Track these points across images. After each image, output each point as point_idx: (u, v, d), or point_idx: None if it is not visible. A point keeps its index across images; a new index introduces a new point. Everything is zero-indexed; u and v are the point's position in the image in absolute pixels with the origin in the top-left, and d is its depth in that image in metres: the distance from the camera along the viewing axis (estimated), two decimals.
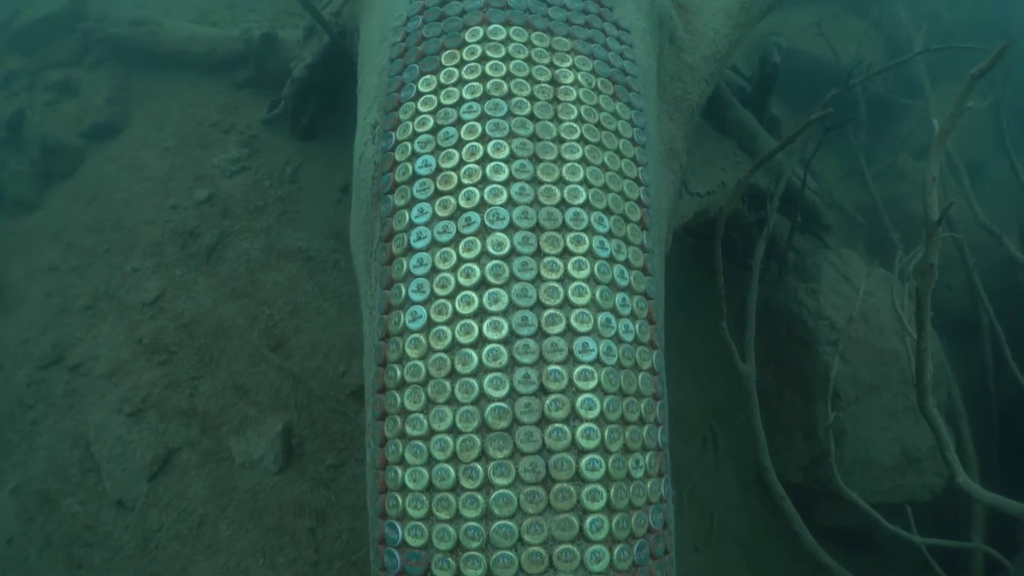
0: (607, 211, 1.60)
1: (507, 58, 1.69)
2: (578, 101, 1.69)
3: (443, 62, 1.72)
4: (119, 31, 4.75)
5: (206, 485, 3.14)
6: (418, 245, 1.55)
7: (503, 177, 1.54)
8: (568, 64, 1.74)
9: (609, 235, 1.58)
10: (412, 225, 1.57)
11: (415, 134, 1.65)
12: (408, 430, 1.49)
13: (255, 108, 4.13)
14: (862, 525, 3.35)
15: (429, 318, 1.50)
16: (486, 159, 1.57)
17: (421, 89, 1.70)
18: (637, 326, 1.58)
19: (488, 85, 1.65)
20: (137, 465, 3.17)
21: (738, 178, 2.97)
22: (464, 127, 1.61)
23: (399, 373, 1.51)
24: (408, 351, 1.50)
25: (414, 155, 1.63)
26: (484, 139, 1.59)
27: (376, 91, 1.87)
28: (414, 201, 1.58)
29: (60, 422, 3.35)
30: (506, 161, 1.56)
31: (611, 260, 1.56)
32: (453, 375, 1.45)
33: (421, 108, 1.67)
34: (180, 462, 3.20)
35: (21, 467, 3.26)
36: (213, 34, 4.45)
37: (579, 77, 1.73)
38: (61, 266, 3.90)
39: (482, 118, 1.61)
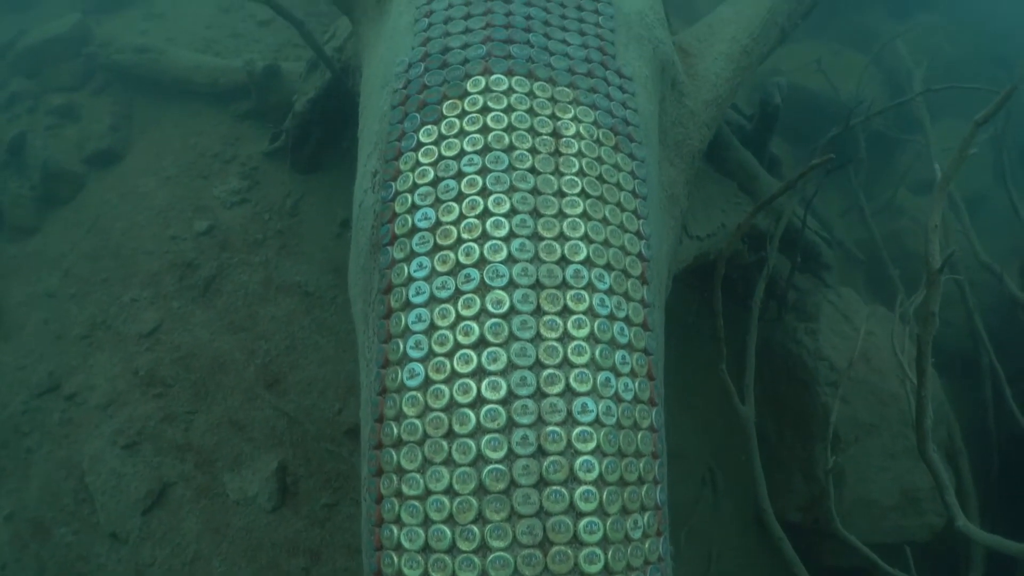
0: (608, 267, 1.59)
1: (509, 109, 1.69)
2: (580, 154, 1.68)
3: (444, 112, 1.71)
4: (123, 58, 4.77)
5: (200, 521, 3.11)
6: (416, 300, 1.53)
7: (503, 233, 1.53)
8: (570, 115, 1.74)
9: (609, 292, 1.56)
10: (411, 279, 1.55)
11: (415, 185, 1.64)
12: (404, 489, 1.46)
13: (257, 139, 4.13)
14: (862, 566, 3.31)
15: (427, 376, 1.48)
16: (486, 213, 1.55)
17: (422, 139, 1.69)
18: (637, 384, 1.56)
19: (489, 137, 1.64)
20: (131, 498, 3.14)
21: (738, 220, 2.97)
22: (465, 180, 1.60)
23: (395, 431, 1.49)
24: (405, 409, 1.48)
25: (414, 207, 1.62)
26: (485, 193, 1.58)
27: (377, 137, 1.86)
28: (413, 255, 1.57)
29: (55, 451, 3.33)
30: (506, 216, 1.55)
31: (611, 318, 1.55)
32: (450, 435, 1.43)
33: (422, 159, 1.66)
34: (174, 497, 3.17)
35: (16, 494, 3.24)
36: (216, 64, 4.46)
37: (581, 129, 1.72)
38: (59, 293, 3.89)
39: (483, 171, 1.60)
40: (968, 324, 4.42)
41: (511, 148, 1.63)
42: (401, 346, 1.52)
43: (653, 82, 2.09)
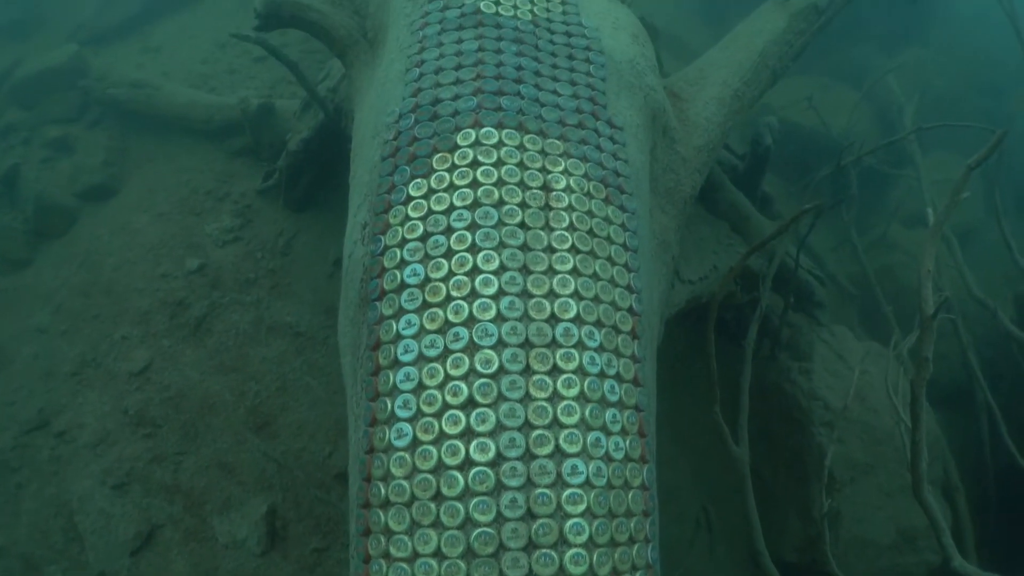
0: (598, 323, 1.57)
1: (499, 163, 1.68)
2: (570, 208, 1.68)
3: (434, 165, 1.71)
4: (118, 92, 4.78)
5: (188, 564, 3.06)
6: (405, 359, 1.51)
7: (492, 291, 1.52)
8: (560, 168, 1.74)
9: (600, 349, 1.55)
10: (399, 337, 1.54)
11: (404, 240, 1.63)
12: (392, 551, 1.44)
13: (250, 177, 4.13)
14: None
15: (415, 436, 1.46)
16: (475, 271, 1.54)
17: (412, 193, 1.68)
18: (628, 442, 1.54)
19: (479, 192, 1.63)
20: (120, 539, 3.11)
21: (731, 262, 2.97)
22: (454, 236, 1.59)
23: (383, 491, 1.47)
24: (393, 469, 1.46)
25: (403, 263, 1.61)
26: (474, 249, 1.57)
27: (367, 188, 1.85)
28: (402, 311, 1.56)
29: (44, 488, 3.29)
30: (495, 273, 1.54)
31: (601, 375, 1.53)
32: (439, 497, 1.41)
33: (411, 213, 1.66)
34: (163, 539, 3.13)
35: (5, 529, 3.20)
36: (211, 101, 4.47)
37: (571, 182, 1.72)
38: (50, 328, 3.87)
39: (472, 227, 1.59)
40: (963, 360, 4.41)
41: (501, 203, 1.63)
42: (389, 405, 1.51)
43: (644, 130, 2.09)
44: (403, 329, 1.54)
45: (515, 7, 2.11)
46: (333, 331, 3.50)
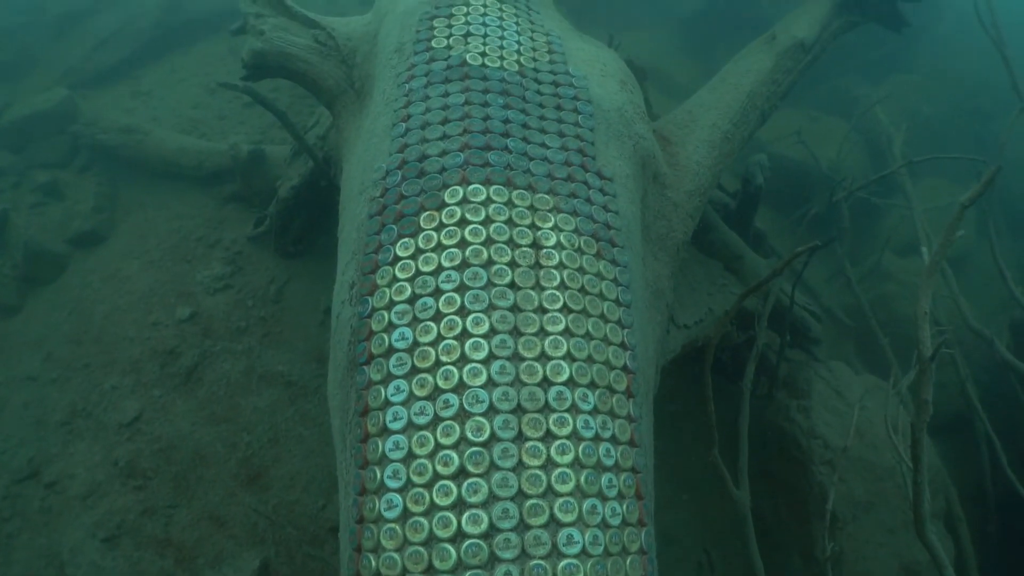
0: (592, 385, 1.54)
1: (487, 221, 1.66)
2: (560, 265, 1.65)
3: (422, 224, 1.68)
4: (108, 138, 4.77)
5: None
6: (394, 426, 1.47)
7: (482, 355, 1.48)
8: (550, 224, 1.71)
9: (594, 412, 1.51)
10: (388, 403, 1.50)
11: (392, 302, 1.60)
12: None
13: (241, 223, 4.11)
14: None
15: (405, 507, 1.41)
16: (465, 334, 1.51)
17: (399, 253, 1.66)
18: (625, 506, 1.50)
19: (467, 252, 1.61)
20: None
21: (725, 303, 2.94)
22: (442, 298, 1.56)
23: (373, 563, 1.42)
24: (383, 541, 1.41)
25: (391, 326, 1.57)
26: (463, 312, 1.54)
27: (354, 246, 1.83)
28: (390, 377, 1.52)
29: (35, 538, 3.24)
30: (485, 336, 1.51)
31: (596, 439, 1.49)
32: (430, 571, 1.36)
33: (399, 274, 1.63)
34: None
35: None
36: (201, 147, 4.47)
37: (561, 238, 1.69)
38: (40, 377, 3.83)
39: (461, 288, 1.56)
40: (962, 390, 4.38)
41: (490, 263, 1.60)
42: (378, 474, 1.46)
43: (634, 180, 2.07)
44: (392, 395, 1.50)
45: (501, 58, 2.10)
46: (325, 380, 3.45)
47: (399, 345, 1.54)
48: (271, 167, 3.95)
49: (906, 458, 2.92)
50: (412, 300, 1.58)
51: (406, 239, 1.67)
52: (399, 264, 1.64)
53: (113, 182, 4.75)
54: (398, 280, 1.62)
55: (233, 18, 2.88)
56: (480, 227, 1.64)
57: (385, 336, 1.57)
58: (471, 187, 1.71)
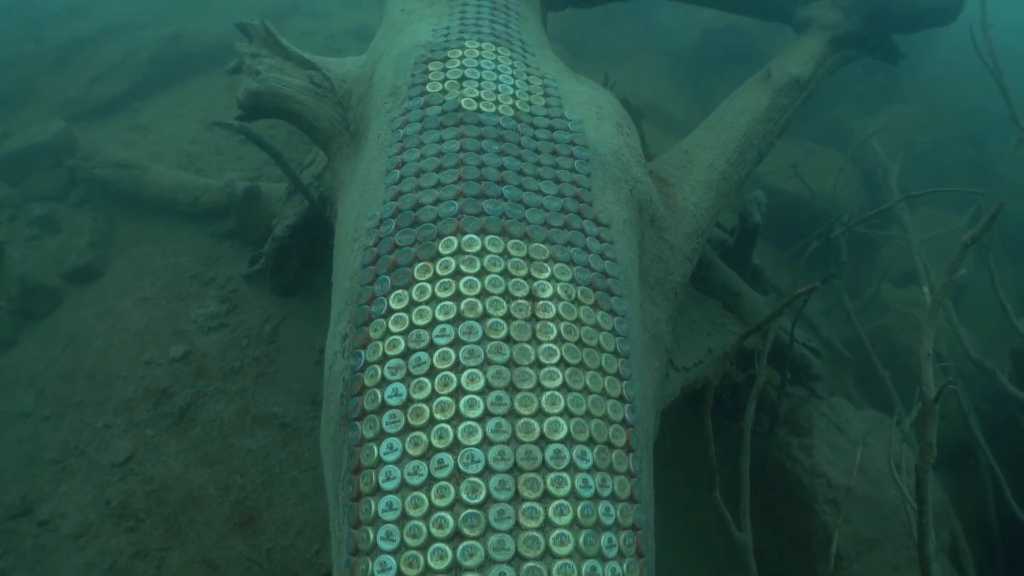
0: (590, 442, 1.50)
1: (482, 272, 1.63)
2: (557, 318, 1.62)
3: (416, 276, 1.65)
4: (105, 172, 4.76)
5: None
6: (387, 486, 1.43)
7: (478, 413, 1.45)
8: (546, 274, 1.68)
9: (593, 470, 1.48)
10: (381, 462, 1.46)
11: (385, 357, 1.56)
12: None
13: (236, 260, 4.08)
14: None
15: (399, 570, 1.37)
16: (460, 391, 1.48)
17: (392, 305, 1.63)
18: (625, 566, 1.46)
19: (462, 305, 1.58)
20: None
21: (724, 343, 2.91)
22: (437, 352, 1.53)
23: None
24: None
25: (384, 381, 1.54)
26: (458, 368, 1.50)
27: (347, 296, 1.80)
28: (383, 435, 1.48)
29: None
30: (481, 393, 1.47)
31: (595, 498, 1.45)
32: None
33: (392, 327, 1.60)
34: None
35: None
36: (197, 183, 4.45)
37: (558, 289, 1.67)
38: (33, 413, 3.79)
39: (456, 343, 1.53)
40: (965, 423, 4.34)
41: (485, 316, 1.57)
42: (371, 535, 1.42)
43: (631, 225, 2.05)
44: (385, 454, 1.46)
45: (497, 103, 2.09)
46: (319, 422, 3.42)
47: (392, 402, 1.51)
48: (267, 204, 3.94)
49: (910, 499, 2.88)
50: (406, 355, 1.55)
51: (400, 291, 1.64)
52: (392, 317, 1.61)
53: (109, 217, 4.73)
54: (391, 333, 1.59)
55: (232, 53, 2.88)
56: (475, 279, 1.61)
57: (378, 392, 1.53)
58: (466, 237, 1.68)
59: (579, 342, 1.61)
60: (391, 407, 1.50)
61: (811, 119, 6.67)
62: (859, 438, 3.60)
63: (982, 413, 4.47)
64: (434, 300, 1.60)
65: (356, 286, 1.75)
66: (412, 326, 1.58)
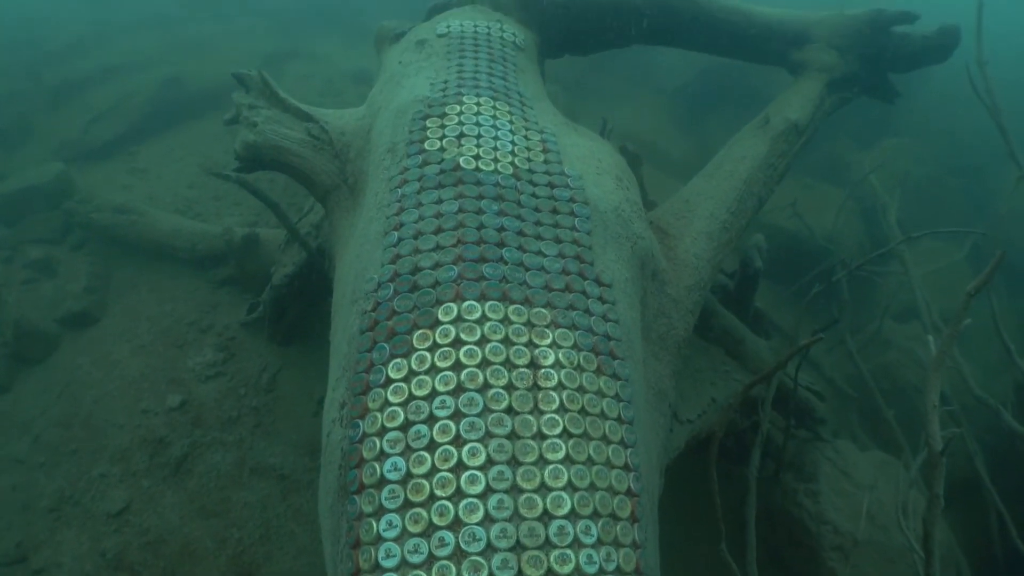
0: (594, 515, 1.46)
1: (483, 341, 1.60)
2: (559, 386, 1.59)
3: (415, 344, 1.62)
4: (102, 217, 4.75)
5: None
6: (387, 564, 1.39)
7: (479, 489, 1.41)
8: (548, 341, 1.66)
9: (597, 544, 1.44)
10: (380, 539, 1.42)
11: (384, 429, 1.53)
12: None
13: (234, 307, 4.05)
14: None
15: None
16: (460, 466, 1.44)
17: (391, 375, 1.60)
18: None
19: (462, 376, 1.55)
20: None
21: (727, 391, 2.88)
22: (437, 425, 1.49)
23: None
24: None
25: (383, 455, 1.50)
26: (458, 442, 1.47)
27: (345, 361, 1.77)
28: (383, 510, 1.44)
29: None
30: (482, 469, 1.44)
31: (600, 574, 1.41)
32: None
33: (391, 398, 1.56)
34: None
35: None
36: (195, 229, 4.44)
37: (560, 356, 1.64)
38: (28, 460, 3.74)
39: (456, 416, 1.50)
40: (969, 462, 4.30)
41: (486, 386, 1.54)
42: None
43: (633, 283, 2.03)
44: (384, 531, 1.42)
45: (496, 160, 2.07)
46: (318, 474, 3.37)
47: (391, 476, 1.47)
48: (266, 251, 3.92)
49: (918, 548, 2.83)
50: (405, 427, 1.52)
51: (398, 359, 1.61)
52: (391, 387, 1.58)
53: (106, 262, 4.72)
54: (390, 404, 1.56)
55: (230, 98, 2.88)
56: (475, 347, 1.59)
57: (377, 465, 1.50)
58: (466, 303, 1.66)
59: (582, 411, 1.58)
60: (390, 482, 1.47)
61: (808, 154, 6.66)
62: (865, 482, 3.56)
63: (985, 445, 4.43)
64: (434, 370, 1.57)
65: (354, 352, 1.72)
66: (411, 397, 1.55)
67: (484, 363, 1.57)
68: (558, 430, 1.53)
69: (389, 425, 1.53)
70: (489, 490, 1.42)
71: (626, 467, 1.59)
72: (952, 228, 3.97)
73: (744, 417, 3.22)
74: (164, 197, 5.14)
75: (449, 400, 1.52)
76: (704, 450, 2.83)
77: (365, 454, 1.53)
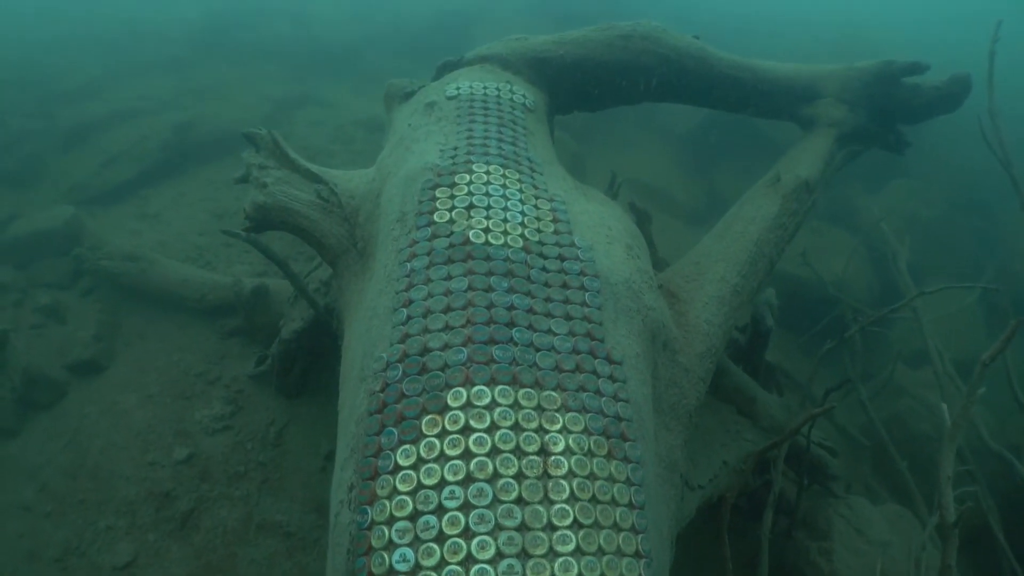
0: None
1: (492, 428, 1.59)
2: (570, 474, 1.57)
3: (424, 430, 1.61)
4: (112, 264, 4.76)
5: None
6: None
7: None
8: (558, 426, 1.64)
9: None
10: None
11: (393, 518, 1.51)
12: None
13: (242, 359, 4.05)
14: None
15: None
16: (470, 559, 1.42)
17: (400, 462, 1.58)
18: None
19: (472, 465, 1.53)
20: None
21: (739, 452, 2.85)
22: (446, 517, 1.48)
23: None
24: None
25: (391, 544, 1.48)
26: (467, 534, 1.45)
27: (353, 442, 1.75)
28: None
29: None
30: (491, 562, 1.42)
31: None
32: None
33: (399, 486, 1.55)
34: None
35: None
36: (205, 279, 4.45)
37: (570, 442, 1.62)
38: (34, 508, 3.72)
39: (465, 507, 1.48)
40: (982, 513, 4.23)
41: (496, 476, 1.52)
42: None
43: (644, 358, 2.01)
44: None
45: (505, 232, 2.07)
46: (325, 531, 3.34)
47: (400, 567, 1.45)
48: (275, 302, 3.92)
49: None
50: (414, 517, 1.50)
51: (407, 445, 1.60)
52: (400, 474, 1.56)
53: (115, 309, 4.72)
54: (399, 492, 1.54)
55: (243, 141, 2.89)
56: (485, 435, 1.57)
57: (385, 555, 1.48)
58: (475, 389, 1.64)
59: (592, 499, 1.56)
60: (399, 573, 1.45)
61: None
62: (879, 539, 3.50)
63: (998, 490, 4.36)
64: (443, 458, 1.55)
65: (362, 434, 1.71)
66: (420, 485, 1.53)
67: (494, 451, 1.55)
68: (568, 521, 1.51)
69: (398, 514, 1.51)
70: None
71: (637, 555, 1.57)
72: (966, 284, 3.95)
73: (756, 476, 3.18)
74: (174, 244, 5.16)
75: (459, 490, 1.50)
76: (716, 512, 2.79)
77: (374, 543, 1.51)
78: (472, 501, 1.49)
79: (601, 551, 1.51)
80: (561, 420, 1.65)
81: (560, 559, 1.46)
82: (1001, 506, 4.19)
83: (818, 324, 5.28)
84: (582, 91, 3.33)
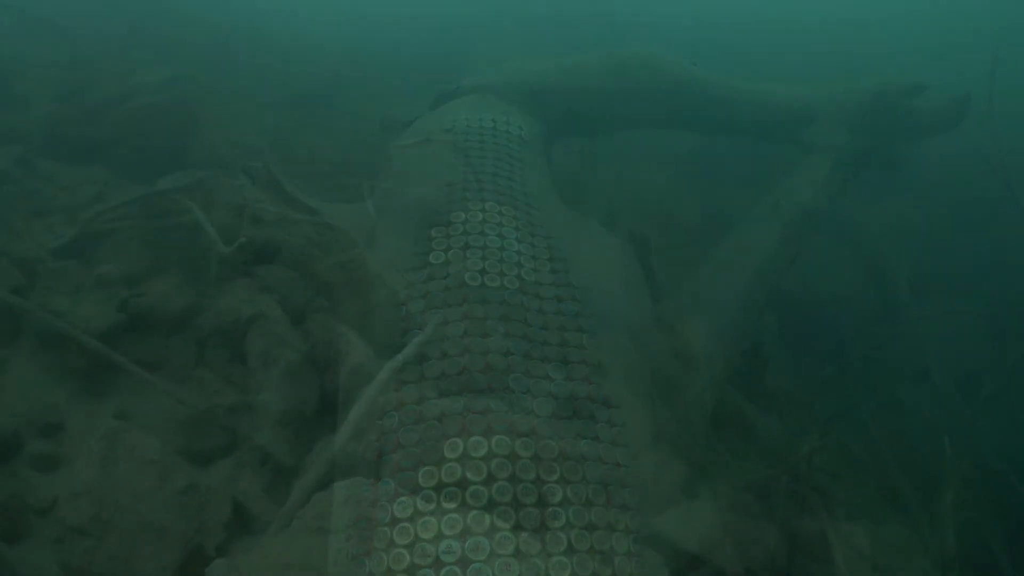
0: None
1: (489, 480, 1.58)
2: (568, 525, 1.56)
3: (420, 482, 1.60)
4: None
5: None
6: None
7: None
8: (555, 476, 1.63)
9: None
10: None
11: (390, 571, 1.50)
12: None
13: None
14: None
15: None
16: None
17: (397, 514, 1.57)
18: None
19: (469, 518, 1.52)
20: None
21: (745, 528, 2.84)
22: (443, 571, 1.46)
23: None
24: None
25: None
26: None
27: (350, 489, 1.74)
28: None
29: None
30: None
31: None
32: None
33: (396, 539, 1.53)
34: None
35: None
36: None
37: (568, 492, 1.61)
38: None
39: (462, 561, 1.47)
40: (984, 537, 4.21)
41: (493, 529, 1.51)
42: None
43: (643, 398, 2.00)
44: None
45: (501, 273, 2.06)
46: None
47: None
48: None
49: None
50: (411, 571, 1.48)
51: (404, 498, 1.58)
52: (397, 527, 1.55)
53: None
54: (396, 546, 1.53)
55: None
56: (482, 487, 1.56)
57: None
58: (472, 439, 1.63)
59: (590, 550, 1.55)
60: None
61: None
62: (881, 564, 3.48)
63: (1001, 507, 4.33)
64: (440, 511, 1.54)
65: (359, 483, 1.70)
66: (417, 539, 1.52)
67: (491, 504, 1.54)
68: (566, 574, 1.49)
69: (395, 568, 1.50)
70: None
71: None
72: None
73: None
74: None
75: (455, 545, 1.49)
76: None
77: None
78: (469, 556, 1.47)
79: None
80: (559, 470, 1.64)
81: None
82: (1005, 527, 4.16)
83: (818, 345, 5.26)
84: (579, 119, 3.34)
